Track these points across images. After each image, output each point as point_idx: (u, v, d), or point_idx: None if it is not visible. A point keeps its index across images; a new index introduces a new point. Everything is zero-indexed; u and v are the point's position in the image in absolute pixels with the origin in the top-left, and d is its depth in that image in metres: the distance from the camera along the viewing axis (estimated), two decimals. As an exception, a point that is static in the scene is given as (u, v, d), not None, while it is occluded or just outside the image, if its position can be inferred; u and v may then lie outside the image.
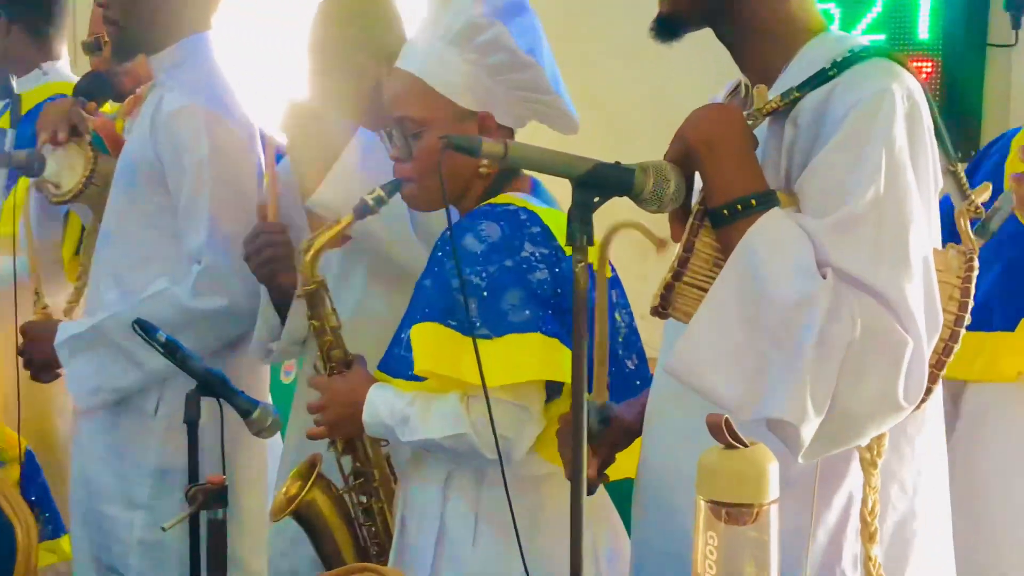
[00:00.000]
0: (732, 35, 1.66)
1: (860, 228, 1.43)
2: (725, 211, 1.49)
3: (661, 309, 1.55)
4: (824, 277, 1.41)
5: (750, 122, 1.54)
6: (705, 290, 1.49)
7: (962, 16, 2.88)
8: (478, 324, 1.90)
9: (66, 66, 3.51)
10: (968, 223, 1.57)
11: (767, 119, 1.57)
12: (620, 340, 2.05)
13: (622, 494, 2.10)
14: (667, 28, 1.65)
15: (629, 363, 2.06)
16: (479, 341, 1.84)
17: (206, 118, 2.57)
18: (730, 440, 1.28)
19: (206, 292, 2.53)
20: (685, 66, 3.32)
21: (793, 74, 1.59)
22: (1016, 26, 2.83)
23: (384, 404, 1.98)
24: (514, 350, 1.89)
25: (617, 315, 2.06)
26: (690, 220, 1.52)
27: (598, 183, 1.48)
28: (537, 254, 1.95)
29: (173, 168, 2.57)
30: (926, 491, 1.63)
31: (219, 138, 2.57)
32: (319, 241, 2.11)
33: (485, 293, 1.91)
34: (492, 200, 2.03)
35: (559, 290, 1.94)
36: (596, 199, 1.47)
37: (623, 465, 1.95)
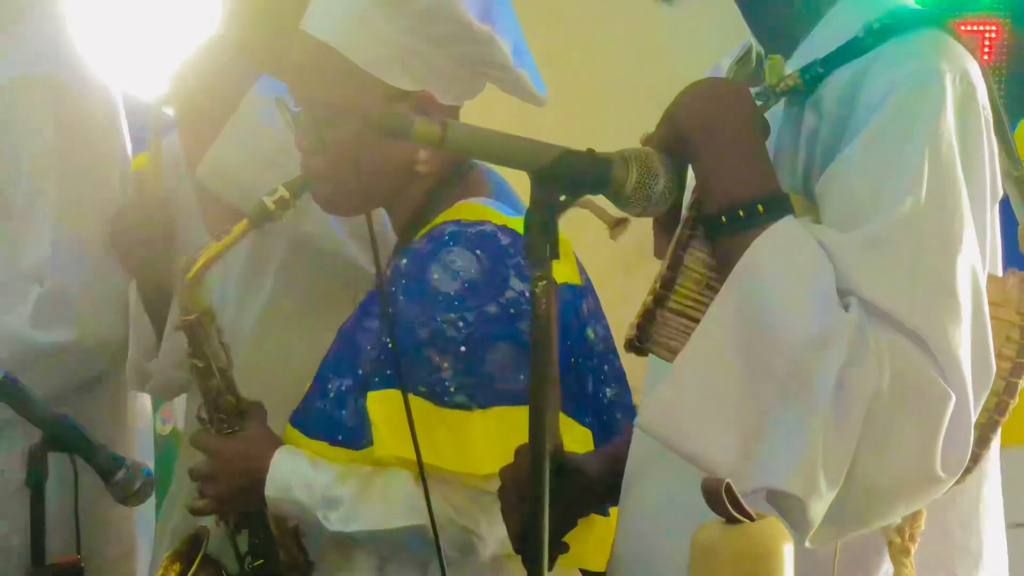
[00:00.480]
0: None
1: (894, 249, 1.42)
2: (724, 218, 1.48)
3: (638, 343, 1.54)
4: (846, 309, 1.40)
5: (760, 103, 1.54)
6: (695, 320, 1.47)
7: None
8: (452, 389, 1.90)
9: None
10: None
11: (783, 100, 1.58)
12: (594, 362, 2.05)
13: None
14: None
15: (607, 391, 2.07)
16: (456, 412, 1.89)
17: (51, 90, 2.57)
18: (732, 512, 1.27)
19: (49, 321, 2.53)
20: (682, 23, 3.38)
21: (819, 41, 1.58)
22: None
23: (298, 478, 1.98)
24: (505, 429, 1.88)
25: (590, 331, 2.06)
26: (678, 230, 1.52)
27: (565, 177, 1.46)
28: (527, 293, 1.89)
29: (4, 159, 2.57)
30: None
31: (68, 116, 2.57)
32: (204, 257, 2.08)
33: (463, 348, 1.91)
34: (455, 213, 2.02)
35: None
36: (563, 198, 1.45)
37: (586, 552, 1.96)
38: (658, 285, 1.51)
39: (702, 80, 1.58)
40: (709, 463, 1.41)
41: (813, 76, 1.55)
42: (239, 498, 2.07)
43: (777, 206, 1.47)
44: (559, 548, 1.84)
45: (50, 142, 2.54)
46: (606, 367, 2.06)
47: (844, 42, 1.54)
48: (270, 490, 1.99)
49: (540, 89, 2.11)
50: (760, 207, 1.46)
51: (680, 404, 1.44)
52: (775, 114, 1.58)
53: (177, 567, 2.12)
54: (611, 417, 2.03)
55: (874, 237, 1.42)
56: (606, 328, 2.09)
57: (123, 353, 2.61)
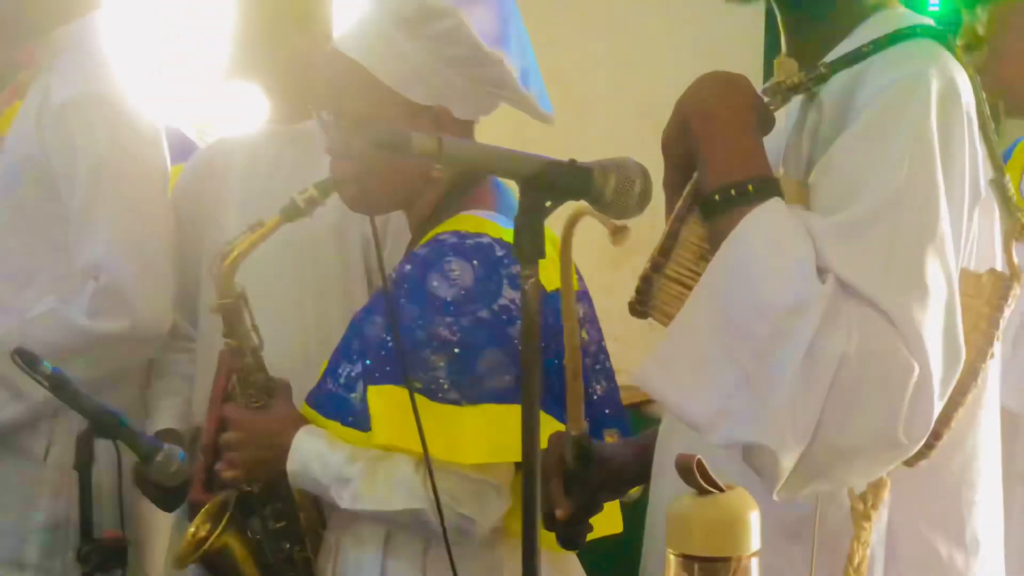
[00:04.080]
0: (796, 4, 1.65)
1: (871, 233, 1.40)
2: (717, 196, 1.47)
3: (639, 306, 1.54)
4: (823, 283, 1.38)
5: (768, 98, 1.54)
6: (689, 288, 1.47)
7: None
8: (446, 387, 1.90)
9: None
10: (1012, 245, 1.58)
11: (799, 100, 1.58)
12: (586, 361, 2.04)
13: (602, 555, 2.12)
14: None
15: (598, 388, 2.07)
16: (449, 408, 1.88)
17: (104, 109, 2.57)
18: (703, 484, 1.27)
19: (105, 312, 2.52)
20: (662, 41, 3.36)
21: (842, 52, 1.57)
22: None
23: (316, 457, 1.97)
24: (492, 424, 1.88)
25: (583, 332, 2.05)
26: (679, 204, 1.52)
27: (550, 184, 1.47)
28: (518, 301, 1.92)
29: (65, 168, 2.57)
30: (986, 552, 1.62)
31: (119, 133, 2.57)
32: (240, 247, 2.08)
33: (457, 350, 1.91)
34: (455, 224, 2.02)
35: (545, 344, 1.94)
36: (548, 203, 1.46)
37: (606, 519, 1.95)
38: (656, 253, 1.51)
39: (708, 73, 1.56)
40: (692, 417, 1.43)
41: (817, 76, 1.54)
42: (263, 468, 2.06)
43: (765, 187, 1.46)
44: (585, 528, 1.86)
45: (104, 154, 2.54)
46: (597, 366, 2.06)
47: (850, 49, 1.53)
48: (291, 464, 1.98)
49: (547, 108, 2.09)
50: (750, 187, 1.45)
51: (670, 362, 1.44)
52: (792, 112, 1.58)
53: (207, 526, 2.10)
54: (599, 412, 2.02)
55: (853, 221, 1.41)
56: (599, 332, 2.09)
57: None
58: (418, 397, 1.87)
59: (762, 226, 1.43)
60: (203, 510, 2.13)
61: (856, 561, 1.52)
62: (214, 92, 3.59)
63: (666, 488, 1.68)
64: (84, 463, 2.22)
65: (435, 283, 1.94)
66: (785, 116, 1.59)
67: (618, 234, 1.52)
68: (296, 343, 2.33)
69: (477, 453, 1.88)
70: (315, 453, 1.98)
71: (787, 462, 1.37)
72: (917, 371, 1.37)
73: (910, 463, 1.46)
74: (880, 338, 1.37)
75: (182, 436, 2.55)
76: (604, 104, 2.90)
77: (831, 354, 1.35)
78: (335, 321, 2.24)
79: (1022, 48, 1.86)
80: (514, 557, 1.88)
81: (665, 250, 1.52)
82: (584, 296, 2.08)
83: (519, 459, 1.71)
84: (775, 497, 1.40)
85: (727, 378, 1.40)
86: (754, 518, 1.27)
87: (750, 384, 1.38)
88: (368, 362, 1.96)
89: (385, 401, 1.90)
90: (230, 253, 2.09)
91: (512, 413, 1.78)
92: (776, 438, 1.35)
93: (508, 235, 1.94)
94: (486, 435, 1.88)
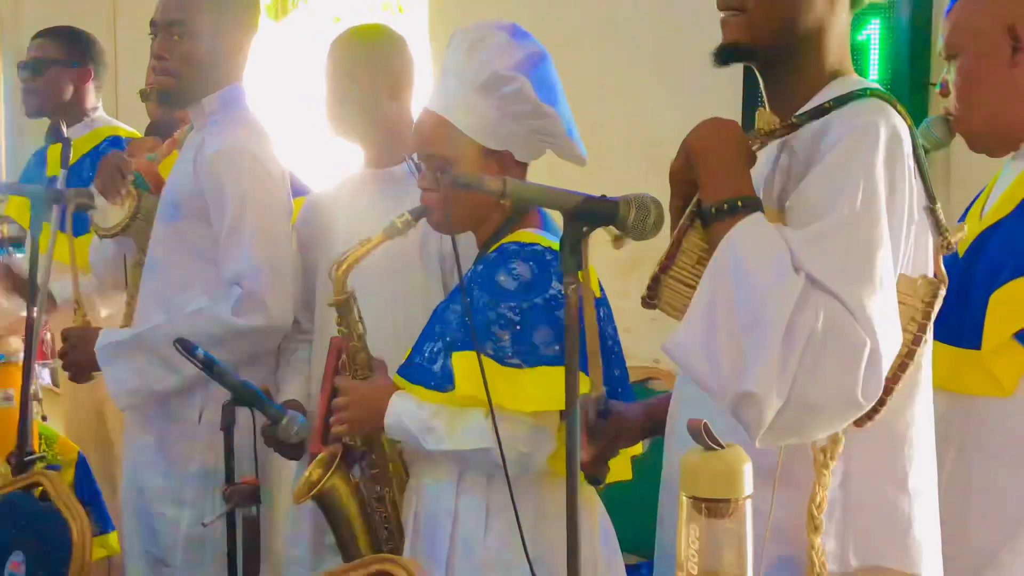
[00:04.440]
0: (774, 72, 1.63)
1: (832, 242, 1.40)
2: (713, 209, 1.47)
3: (649, 299, 1.54)
4: (797, 275, 1.38)
5: (752, 141, 1.53)
6: (690, 285, 1.47)
7: (907, 59, 2.86)
8: (510, 354, 1.90)
9: (105, 114, 3.59)
10: (940, 258, 1.56)
11: (776, 143, 1.57)
12: (608, 349, 2.04)
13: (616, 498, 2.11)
14: (728, 56, 1.61)
15: (615, 371, 2.06)
16: (512, 370, 1.88)
17: (245, 158, 2.58)
18: (709, 443, 1.27)
19: (246, 311, 2.52)
20: (663, 101, 3.37)
21: (808, 108, 1.57)
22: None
23: (407, 413, 1.97)
24: (545, 381, 1.88)
25: (606, 329, 2.05)
26: (681, 220, 1.52)
27: (587, 215, 1.48)
28: (562, 291, 1.92)
29: (216, 203, 2.57)
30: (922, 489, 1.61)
31: (257, 176, 2.58)
32: (351, 257, 2.09)
33: (518, 327, 1.91)
34: (516, 237, 2.02)
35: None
36: (585, 228, 1.47)
37: (620, 466, 1.96)
38: (664, 258, 1.52)
39: (707, 119, 1.56)
40: (706, 379, 1.42)
41: (790, 126, 1.54)
42: (365, 425, 2.07)
43: (750, 204, 1.46)
44: (605, 469, 1.87)
45: (245, 192, 2.55)
46: (613, 356, 2.05)
47: (815, 106, 1.53)
48: (388, 419, 1.99)
49: (583, 153, 2.09)
50: (739, 203, 1.46)
51: (687, 339, 1.43)
52: (771, 154, 1.57)
53: (319, 472, 2.11)
54: (614, 389, 2.01)
55: (819, 233, 1.41)
56: (615, 331, 2.08)
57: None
58: (488, 361, 1.87)
59: (749, 232, 1.43)
60: (317, 459, 2.14)
61: (818, 500, 1.51)
62: (324, 144, 3.61)
63: (677, 447, 1.67)
64: (228, 425, 2.22)
65: (502, 278, 1.95)
66: (764, 156, 1.58)
67: (618, 241, 1.53)
68: (390, 331, 2.31)
69: (535, 403, 1.87)
70: (406, 410, 1.98)
71: (769, 413, 1.36)
72: (869, 345, 1.37)
73: (860, 423, 1.46)
74: (840, 320, 1.37)
75: (302, 405, 2.55)
76: (619, 151, 2.88)
77: (802, 330, 1.35)
78: (419, 313, 2.22)
79: (977, 101, 1.83)
80: (554, 491, 1.91)
81: (671, 256, 1.52)
82: (604, 303, 2.07)
83: (562, 408, 1.73)
84: (756, 444, 1.39)
85: (730, 350, 1.39)
86: (747, 469, 1.27)
87: (745, 350, 1.37)
88: (448, 339, 1.96)
89: (465, 363, 1.90)
90: (344, 261, 2.10)
91: (557, 372, 1.80)
92: (764, 388, 1.35)
93: (554, 246, 1.94)
94: (540, 389, 1.87)
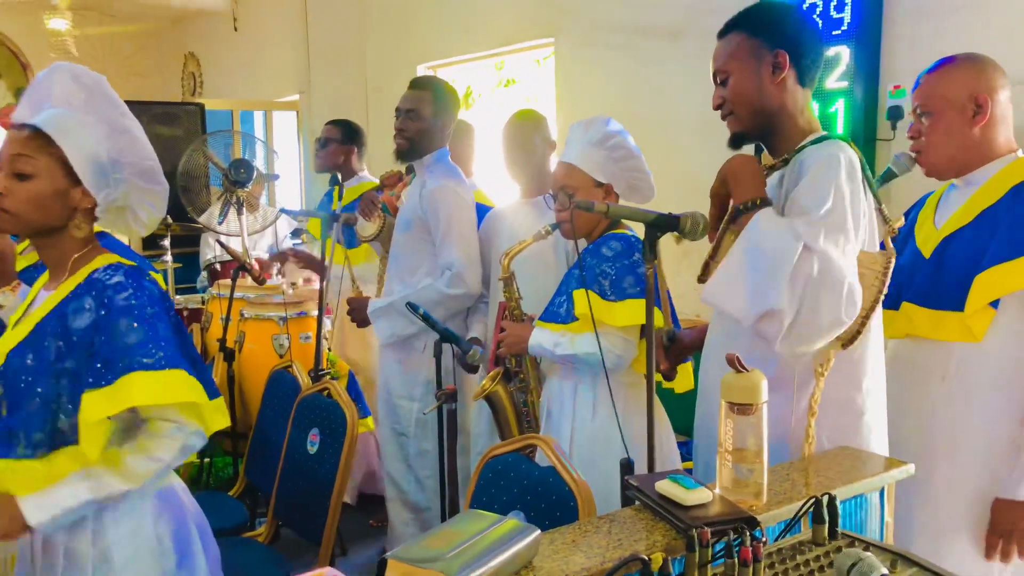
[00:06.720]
0: (767, 140, 1.59)
1: (819, 227, 1.36)
2: (742, 206, 1.45)
3: (701, 280, 1.52)
4: (798, 242, 1.34)
5: (763, 170, 1.51)
6: None
7: (862, 123, 2.74)
8: (609, 293, 1.86)
9: (368, 174, 3.64)
10: (889, 239, 1.50)
11: (776, 175, 1.53)
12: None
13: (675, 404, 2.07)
14: (736, 141, 1.58)
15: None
16: (609, 303, 1.84)
17: (448, 192, 2.56)
18: (739, 368, 1.25)
19: (454, 285, 2.52)
20: (698, 150, 3.26)
21: (794, 151, 1.53)
22: (893, 128, 2.70)
23: (545, 338, 1.96)
24: (629, 308, 1.84)
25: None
26: (722, 224, 1.49)
27: (660, 225, 1.45)
28: (640, 258, 1.89)
29: (434, 218, 2.56)
30: (873, 394, 1.55)
31: (456, 203, 2.57)
32: (513, 251, 2.09)
33: (613, 277, 1.87)
34: (613, 231, 1.99)
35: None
36: (658, 233, 1.45)
37: (682, 381, 1.91)
38: (709, 254, 1.49)
39: (734, 156, 1.53)
40: (736, 310, 1.37)
41: (783, 161, 1.50)
42: (514, 348, 2.05)
43: (766, 202, 1.43)
44: (673, 372, 1.84)
45: (451, 212, 2.54)
46: (670, 307, 1.97)
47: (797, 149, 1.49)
48: (531, 343, 1.97)
49: (653, 187, 2.04)
50: (759, 201, 1.43)
51: (721, 284, 1.40)
52: (774, 181, 1.52)
53: (489, 382, 2.12)
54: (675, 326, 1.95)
55: (809, 220, 1.36)
56: (669, 296, 2.01)
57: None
58: (594, 296, 1.85)
59: (765, 215, 1.40)
60: (489, 374, 2.15)
61: (816, 396, 1.48)
62: (494, 179, 3.63)
63: (712, 369, 1.64)
64: (438, 354, 2.24)
65: (604, 250, 1.91)
66: (768, 181, 1.53)
67: (678, 241, 1.51)
68: (534, 297, 2.27)
69: (624, 319, 1.83)
70: (543, 335, 1.96)
71: (785, 322, 1.32)
72: (847, 283, 1.32)
73: (845, 346, 1.41)
74: (828, 267, 1.33)
75: (481, 341, 2.55)
76: (668, 183, 2.77)
77: (803, 274, 1.32)
78: (552, 287, 2.18)
79: (943, 147, 1.74)
80: (637, 390, 1.90)
81: (714, 251, 1.49)
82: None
83: (640, 323, 1.75)
84: (777, 349, 1.35)
85: (751, 287, 1.35)
86: (764, 384, 1.25)
87: (766, 288, 1.33)
88: (569, 292, 1.95)
89: (581, 298, 1.88)
90: (509, 254, 2.10)
91: (638, 302, 1.80)
92: (782, 304, 1.31)
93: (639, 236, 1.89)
94: (627, 312, 1.83)
